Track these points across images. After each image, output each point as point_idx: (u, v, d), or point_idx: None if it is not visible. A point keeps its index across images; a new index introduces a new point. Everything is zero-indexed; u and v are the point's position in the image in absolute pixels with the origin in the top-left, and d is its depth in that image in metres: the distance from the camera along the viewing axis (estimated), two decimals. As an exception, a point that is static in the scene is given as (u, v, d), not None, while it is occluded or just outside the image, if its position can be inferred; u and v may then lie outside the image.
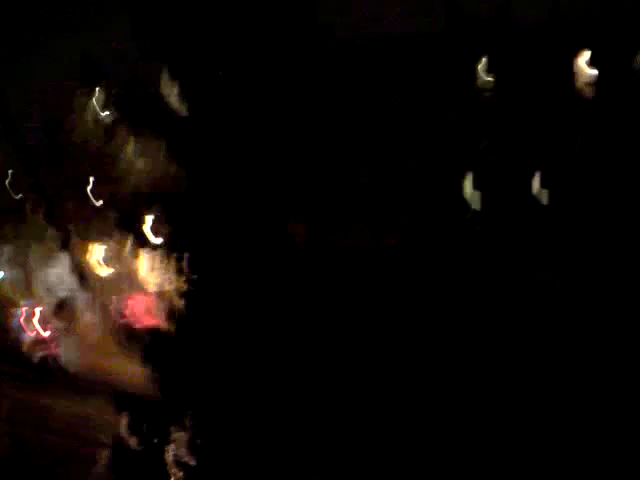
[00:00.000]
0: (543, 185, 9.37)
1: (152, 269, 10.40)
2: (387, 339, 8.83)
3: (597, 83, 9.19)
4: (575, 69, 9.36)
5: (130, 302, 10.40)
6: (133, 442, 7.55)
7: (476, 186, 9.47)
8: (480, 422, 8.50)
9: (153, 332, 9.59)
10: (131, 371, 8.88)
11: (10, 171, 11.87)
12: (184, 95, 9.85)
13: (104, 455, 7.61)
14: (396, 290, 9.01)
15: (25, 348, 10.19)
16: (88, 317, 10.30)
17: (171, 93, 9.96)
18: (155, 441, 7.17)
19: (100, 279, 10.71)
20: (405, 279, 9.06)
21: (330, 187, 9.58)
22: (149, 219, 10.33)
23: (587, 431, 8.36)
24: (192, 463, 8.08)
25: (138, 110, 10.39)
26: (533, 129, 9.51)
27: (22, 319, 10.52)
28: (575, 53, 9.23)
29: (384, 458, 8.42)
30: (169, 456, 7.83)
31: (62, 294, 11.38)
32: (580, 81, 9.38)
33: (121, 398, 7.40)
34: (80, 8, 10.22)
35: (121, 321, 10.24)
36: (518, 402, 8.54)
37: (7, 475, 7.24)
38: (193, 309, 9.39)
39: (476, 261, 9.17)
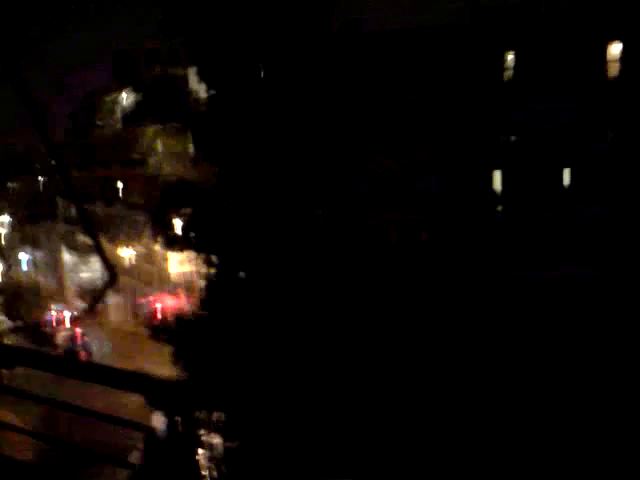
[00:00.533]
0: (572, 178, 9.35)
1: (181, 267, 10.48)
2: (410, 332, 8.81)
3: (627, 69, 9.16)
4: (607, 57, 9.34)
5: (160, 300, 10.50)
6: (163, 426, 7.58)
7: (505, 180, 9.48)
8: (488, 422, 8.42)
9: (182, 323, 9.64)
10: (161, 367, 8.96)
11: (41, 178, 12.04)
12: (211, 92, 9.94)
13: (138, 441, 7.66)
14: (425, 283, 9.00)
15: (58, 345, 10.30)
16: (119, 316, 10.41)
17: (199, 90, 10.05)
18: (183, 424, 7.19)
19: (130, 278, 10.83)
20: (436, 272, 9.05)
21: (359, 186, 9.62)
22: (178, 218, 10.42)
23: (591, 427, 8.25)
24: (220, 444, 8.13)
25: (167, 108, 10.48)
26: (562, 121, 9.51)
27: (55, 318, 10.66)
28: (606, 40, 9.22)
29: (394, 457, 8.37)
30: (199, 441, 7.88)
31: (93, 294, 11.53)
32: (611, 68, 9.35)
33: (152, 389, 7.41)
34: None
35: (151, 319, 10.33)
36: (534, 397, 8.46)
37: (46, 462, 7.32)
38: (221, 302, 9.42)
39: (503, 253, 9.15)
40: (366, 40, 9.49)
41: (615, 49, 9.35)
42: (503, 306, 8.95)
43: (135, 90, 11.03)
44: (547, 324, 8.81)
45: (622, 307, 8.57)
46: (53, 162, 11.79)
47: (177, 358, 9.47)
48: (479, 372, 8.58)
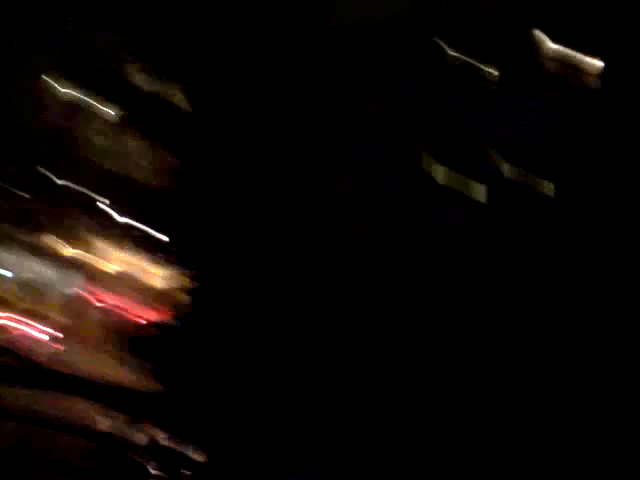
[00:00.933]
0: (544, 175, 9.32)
1: (157, 267, 10.41)
2: (390, 332, 8.75)
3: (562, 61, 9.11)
4: (536, 44, 9.29)
5: (133, 300, 10.39)
6: (132, 437, 7.55)
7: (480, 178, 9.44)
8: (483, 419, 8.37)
9: (156, 327, 9.60)
10: (130, 370, 8.92)
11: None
12: (189, 97, 9.91)
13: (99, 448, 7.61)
14: (401, 281, 8.92)
15: (27, 349, 10.19)
16: (90, 316, 10.29)
17: (178, 96, 10.04)
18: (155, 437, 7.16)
19: (103, 279, 10.73)
20: (412, 269, 8.96)
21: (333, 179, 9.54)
22: (153, 218, 10.38)
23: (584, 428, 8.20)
24: (201, 459, 8.10)
25: (151, 123, 10.47)
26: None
27: (25, 320, 10.50)
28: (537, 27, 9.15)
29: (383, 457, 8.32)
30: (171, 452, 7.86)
31: (65, 294, 11.39)
32: (544, 58, 9.29)
33: (118, 395, 7.38)
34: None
35: (123, 319, 10.27)
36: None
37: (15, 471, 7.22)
38: (198, 304, 9.39)
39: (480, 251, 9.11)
40: (332, 35, 9.41)
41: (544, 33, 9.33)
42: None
43: (119, 105, 11.02)
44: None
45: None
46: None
47: (156, 372, 9.46)
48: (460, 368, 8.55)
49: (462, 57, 9.75)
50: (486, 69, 9.63)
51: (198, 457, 8.52)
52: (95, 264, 11.18)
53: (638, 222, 9.05)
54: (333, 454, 8.41)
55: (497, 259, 9.16)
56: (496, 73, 9.70)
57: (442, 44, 9.70)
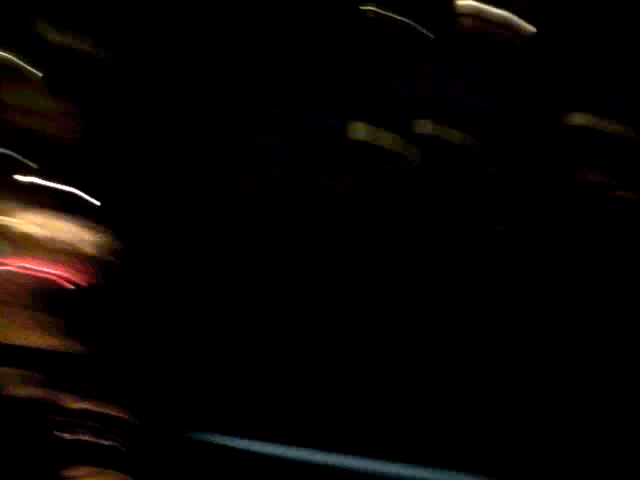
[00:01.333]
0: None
1: (83, 231, 10.25)
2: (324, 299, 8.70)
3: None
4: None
5: (58, 265, 10.20)
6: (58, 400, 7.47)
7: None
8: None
9: (80, 290, 9.49)
10: (52, 334, 8.80)
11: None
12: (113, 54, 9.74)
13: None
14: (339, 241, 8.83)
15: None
16: (11, 281, 10.07)
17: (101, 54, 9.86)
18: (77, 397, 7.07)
19: (26, 244, 10.49)
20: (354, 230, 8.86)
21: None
22: (80, 182, 10.22)
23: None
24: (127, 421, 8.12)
25: (69, 76, 10.23)
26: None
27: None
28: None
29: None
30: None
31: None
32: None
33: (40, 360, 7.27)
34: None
35: (48, 283, 10.11)
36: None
37: None
38: (125, 268, 9.29)
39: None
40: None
41: None
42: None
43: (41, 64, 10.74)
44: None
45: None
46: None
47: (80, 336, 9.37)
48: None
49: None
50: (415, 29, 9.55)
51: (124, 418, 8.50)
52: (17, 228, 10.91)
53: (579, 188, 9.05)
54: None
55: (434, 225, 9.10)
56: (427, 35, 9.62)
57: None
